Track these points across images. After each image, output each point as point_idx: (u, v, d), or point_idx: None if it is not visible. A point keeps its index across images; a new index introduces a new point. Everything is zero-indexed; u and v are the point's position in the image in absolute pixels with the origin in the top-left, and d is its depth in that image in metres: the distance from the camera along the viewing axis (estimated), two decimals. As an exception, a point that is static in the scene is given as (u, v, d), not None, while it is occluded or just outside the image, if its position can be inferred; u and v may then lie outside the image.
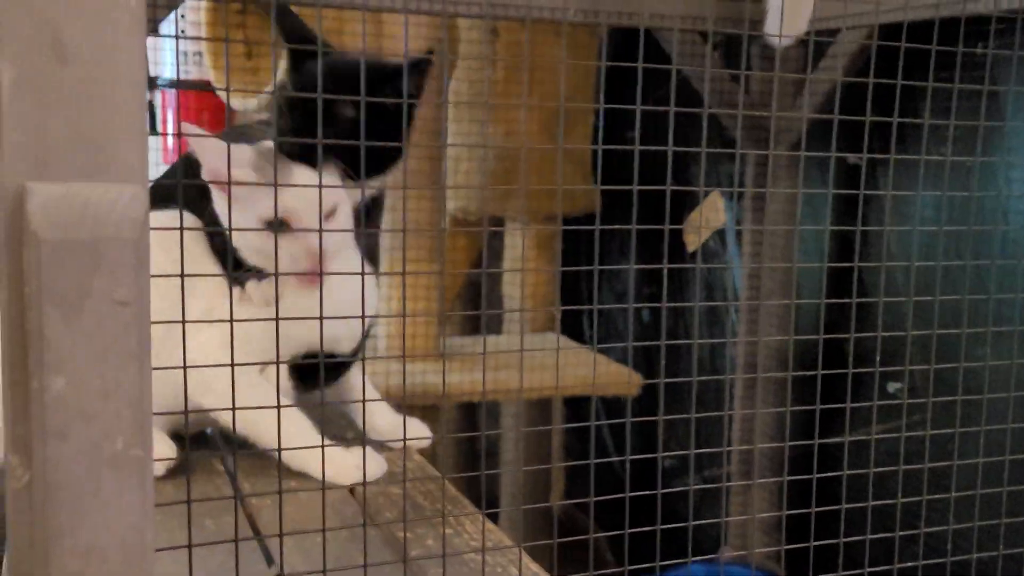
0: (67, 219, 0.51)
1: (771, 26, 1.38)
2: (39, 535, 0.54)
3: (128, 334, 0.52)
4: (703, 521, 2.53)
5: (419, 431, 1.48)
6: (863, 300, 2.09)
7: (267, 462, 1.41)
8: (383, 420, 1.48)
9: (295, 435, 1.32)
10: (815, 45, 2.15)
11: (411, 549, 1.18)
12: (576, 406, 3.07)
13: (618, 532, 1.16)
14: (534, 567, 1.15)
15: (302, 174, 1.28)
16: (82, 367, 0.51)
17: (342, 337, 1.39)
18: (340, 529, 1.01)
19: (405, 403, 2.15)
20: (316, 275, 1.27)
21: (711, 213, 2.71)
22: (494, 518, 2.76)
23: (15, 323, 0.54)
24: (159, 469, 1.28)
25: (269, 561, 1.13)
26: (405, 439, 1.33)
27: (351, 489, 1.37)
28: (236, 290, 1.34)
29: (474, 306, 2.97)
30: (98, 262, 0.51)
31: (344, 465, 1.35)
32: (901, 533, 1.29)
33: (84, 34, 0.55)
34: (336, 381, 1.48)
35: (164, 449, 1.31)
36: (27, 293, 0.52)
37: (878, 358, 1.33)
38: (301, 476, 1.33)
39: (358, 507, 1.31)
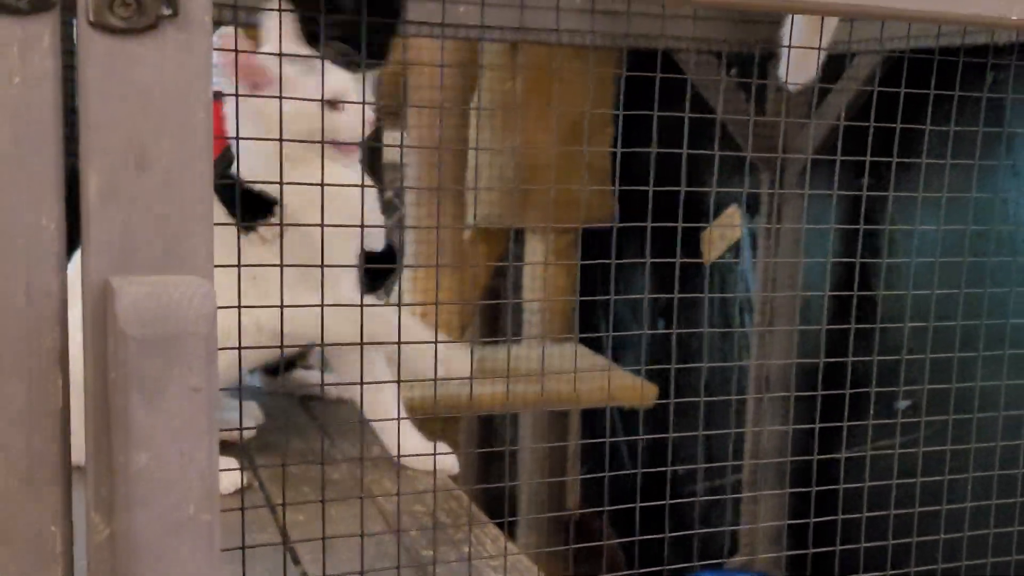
0: (151, 317, 0.58)
1: (784, 71, 1.44)
2: (120, 587, 0.61)
3: (200, 415, 0.60)
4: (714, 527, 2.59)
5: (448, 461, 1.56)
6: (873, 326, 2.16)
7: (299, 476, 1.49)
8: (411, 443, 1.55)
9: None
10: (830, 64, 2.21)
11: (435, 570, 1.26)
12: (592, 414, 3.15)
13: (629, 538, 1.24)
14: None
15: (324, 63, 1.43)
16: (162, 445, 0.59)
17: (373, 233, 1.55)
18: (382, 570, 1.08)
19: (424, 414, 2.23)
20: (355, 145, 1.46)
21: (728, 227, 2.77)
22: (512, 523, 2.84)
23: (98, 402, 0.62)
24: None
25: (296, 561, 1.23)
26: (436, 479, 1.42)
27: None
28: (250, 236, 1.44)
29: (493, 314, 3.04)
30: (177, 354, 0.59)
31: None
32: (894, 542, 1.36)
33: (164, 147, 0.63)
34: (389, 281, 1.69)
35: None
36: (112, 379, 0.59)
37: (872, 377, 1.40)
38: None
39: (385, 524, 1.39)
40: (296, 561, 1.24)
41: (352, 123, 1.43)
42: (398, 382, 1.50)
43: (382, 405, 1.51)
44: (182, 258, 0.64)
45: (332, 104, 1.42)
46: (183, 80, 0.64)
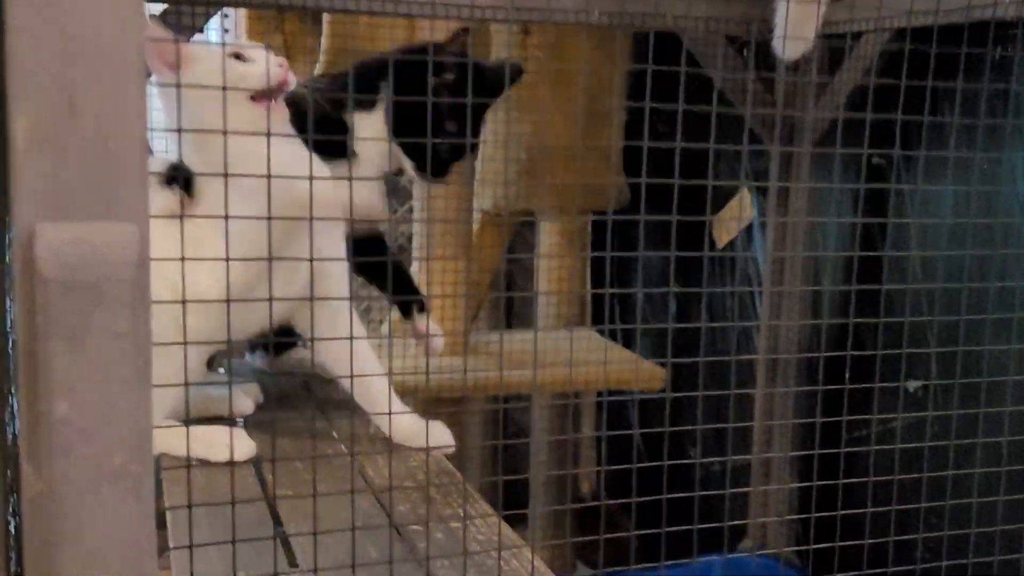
0: (72, 262, 0.57)
1: (778, 40, 1.42)
2: (49, 539, 0.60)
3: (126, 362, 0.58)
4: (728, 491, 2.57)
5: (443, 438, 1.54)
6: (886, 286, 2.12)
7: (291, 452, 1.48)
8: (406, 424, 1.53)
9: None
10: (839, 45, 2.17)
11: (419, 542, 1.24)
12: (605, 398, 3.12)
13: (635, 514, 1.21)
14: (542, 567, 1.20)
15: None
16: (84, 393, 0.58)
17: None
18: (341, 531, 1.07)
19: (432, 396, 2.22)
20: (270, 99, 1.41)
21: (741, 208, 2.74)
22: (523, 499, 2.82)
23: (28, 351, 0.60)
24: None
25: (292, 564, 1.21)
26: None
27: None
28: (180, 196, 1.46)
29: (505, 300, 3.03)
30: (99, 299, 0.57)
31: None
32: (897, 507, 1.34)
33: (95, 92, 0.61)
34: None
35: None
36: (36, 325, 0.58)
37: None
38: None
39: (373, 499, 1.38)
40: (288, 549, 1.23)
41: (259, 70, 1.40)
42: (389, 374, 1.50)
43: (369, 386, 1.50)
44: (114, 205, 0.63)
45: (238, 56, 1.43)
46: (116, 24, 0.63)
